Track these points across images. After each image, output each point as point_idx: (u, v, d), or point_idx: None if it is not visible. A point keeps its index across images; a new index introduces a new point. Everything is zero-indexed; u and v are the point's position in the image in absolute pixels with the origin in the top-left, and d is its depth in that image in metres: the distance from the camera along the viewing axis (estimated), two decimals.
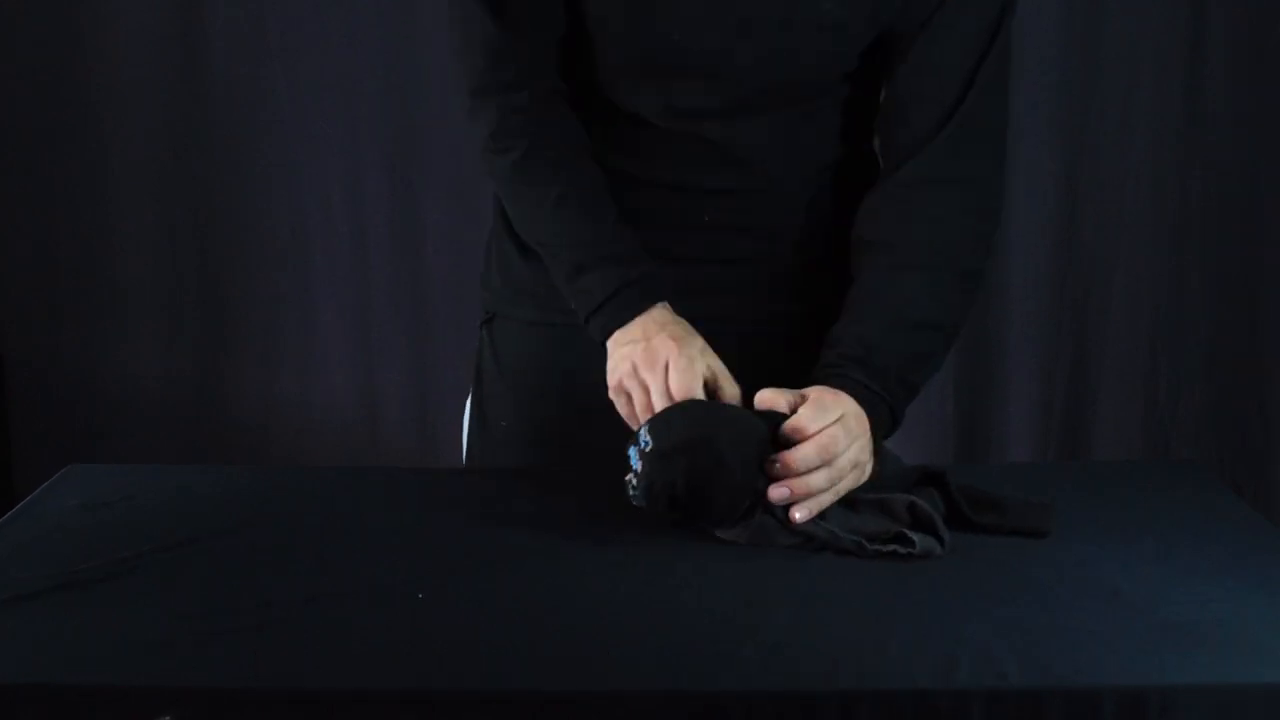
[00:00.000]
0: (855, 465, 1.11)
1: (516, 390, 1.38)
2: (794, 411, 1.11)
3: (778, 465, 1.08)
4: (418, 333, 2.37)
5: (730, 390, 1.17)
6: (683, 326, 1.20)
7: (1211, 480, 1.25)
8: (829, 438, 1.08)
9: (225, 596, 0.98)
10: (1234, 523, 1.13)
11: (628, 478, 1.08)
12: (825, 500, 1.09)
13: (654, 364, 1.16)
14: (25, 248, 2.38)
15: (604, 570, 1.03)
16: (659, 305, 1.21)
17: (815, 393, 1.13)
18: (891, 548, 1.05)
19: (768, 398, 1.13)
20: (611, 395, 1.20)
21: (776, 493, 1.07)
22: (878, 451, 1.15)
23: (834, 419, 1.10)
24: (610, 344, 1.21)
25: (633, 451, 1.08)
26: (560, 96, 1.27)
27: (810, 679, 0.86)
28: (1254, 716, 0.84)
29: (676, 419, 1.11)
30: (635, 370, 1.17)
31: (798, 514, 1.07)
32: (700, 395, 1.14)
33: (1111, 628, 0.91)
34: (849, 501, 1.10)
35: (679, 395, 1.14)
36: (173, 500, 1.18)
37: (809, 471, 1.08)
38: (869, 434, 1.13)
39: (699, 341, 1.18)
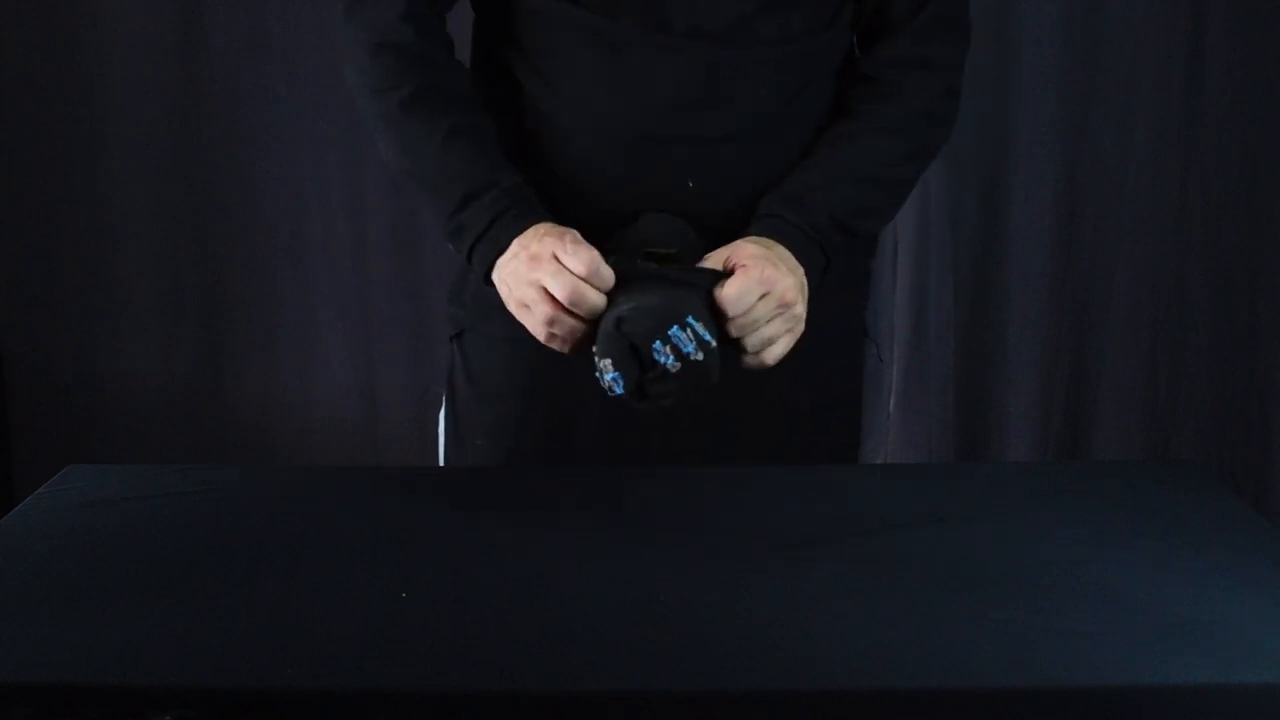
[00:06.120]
0: (801, 288, 1.18)
1: (491, 409, 1.38)
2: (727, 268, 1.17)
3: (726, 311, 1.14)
4: (418, 333, 2.37)
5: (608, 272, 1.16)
6: (556, 227, 1.19)
7: (1211, 480, 1.25)
8: (764, 272, 1.15)
9: (225, 596, 0.98)
10: (1233, 523, 1.13)
11: (603, 372, 1.11)
12: (779, 339, 1.16)
13: (540, 261, 1.15)
14: (25, 248, 2.38)
15: (599, 570, 1.03)
16: (535, 224, 1.21)
17: (746, 246, 1.18)
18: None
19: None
20: (517, 315, 1.19)
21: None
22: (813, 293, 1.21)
23: (768, 264, 1.16)
24: (495, 276, 1.21)
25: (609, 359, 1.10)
26: (448, 45, 1.31)
27: (809, 679, 0.86)
28: (1253, 716, 0.84)
29: (643, 306, 1.11)
30: (524, 280, 1.16)
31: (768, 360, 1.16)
32: (601, 265, 1.13)
33: (1109, 628, 0.91)
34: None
35: (582, 271, 1.13)
36: (172, 500, 1.18)
37: (751, 307, 1.14)
38: (802, 271, 1.20)
39: (574, 232, 1.18)
